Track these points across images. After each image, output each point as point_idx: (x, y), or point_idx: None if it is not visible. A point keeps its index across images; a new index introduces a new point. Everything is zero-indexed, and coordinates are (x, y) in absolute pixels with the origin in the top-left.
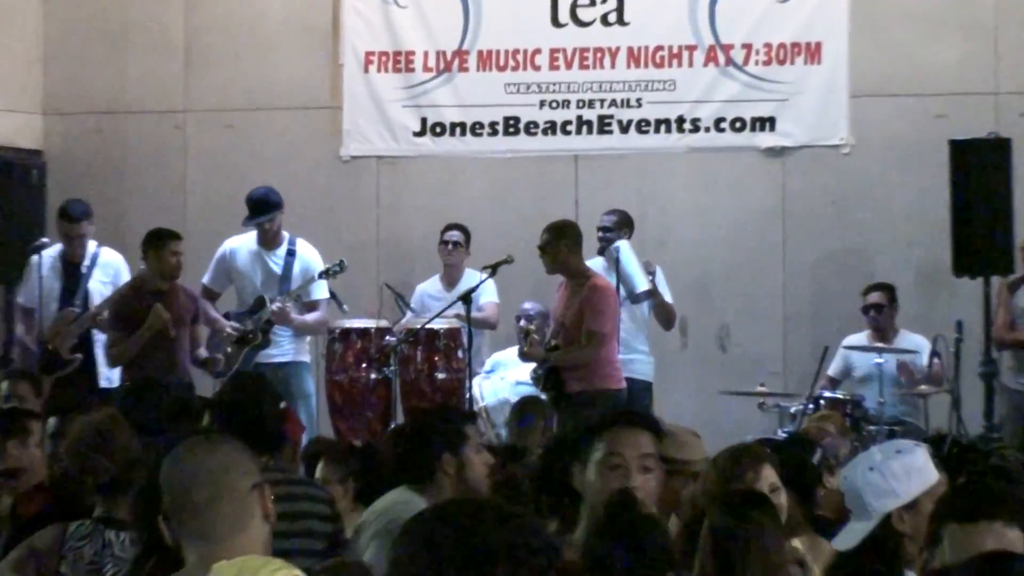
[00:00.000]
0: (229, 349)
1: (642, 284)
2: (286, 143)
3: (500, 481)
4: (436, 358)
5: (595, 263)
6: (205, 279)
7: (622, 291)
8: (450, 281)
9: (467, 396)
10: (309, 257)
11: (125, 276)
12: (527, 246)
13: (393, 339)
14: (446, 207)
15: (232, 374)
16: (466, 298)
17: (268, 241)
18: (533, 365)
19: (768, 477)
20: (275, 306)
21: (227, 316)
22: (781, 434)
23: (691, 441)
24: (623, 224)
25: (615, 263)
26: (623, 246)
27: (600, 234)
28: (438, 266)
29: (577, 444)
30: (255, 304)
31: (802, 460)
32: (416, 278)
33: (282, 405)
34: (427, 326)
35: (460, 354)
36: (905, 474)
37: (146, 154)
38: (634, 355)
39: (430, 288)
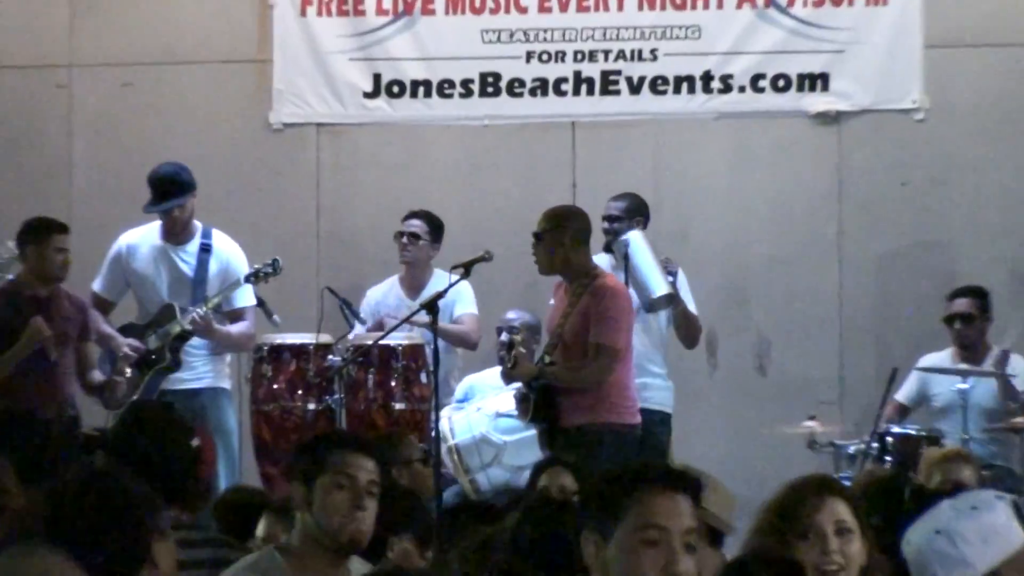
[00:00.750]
0: (128, 373)
1: (659, 288)
2: (200, 107)
3: (471, 548)
4: (393, 383)
5: (598, 262)
6: (96, 284)
7: (634, 298)
8: (412, 285)
9: (432, 432)
10: (229, 254)
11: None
12: (511, 240)
13: (337, 359)
14: (406, 189)
15: (131, 405)
16: (431, 306)
17: (176, 234)
18: (518, 388)
19: (837, 514)
20: (196, 313)
21: (124, 331)
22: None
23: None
24: (635, 211)
25: (624, 261)
26: (635, 239)
27: (605, 225)
28: (396, 266)
29: (591, 504)
30: (161, 315)
31: (896, 500)
32: (368, 281)
33: (195, 443)
34: (381, 342)
35: (424, 378)
36: (981, 538)
37: (19, 120)
38: (648, 379)
39: (386, 294)
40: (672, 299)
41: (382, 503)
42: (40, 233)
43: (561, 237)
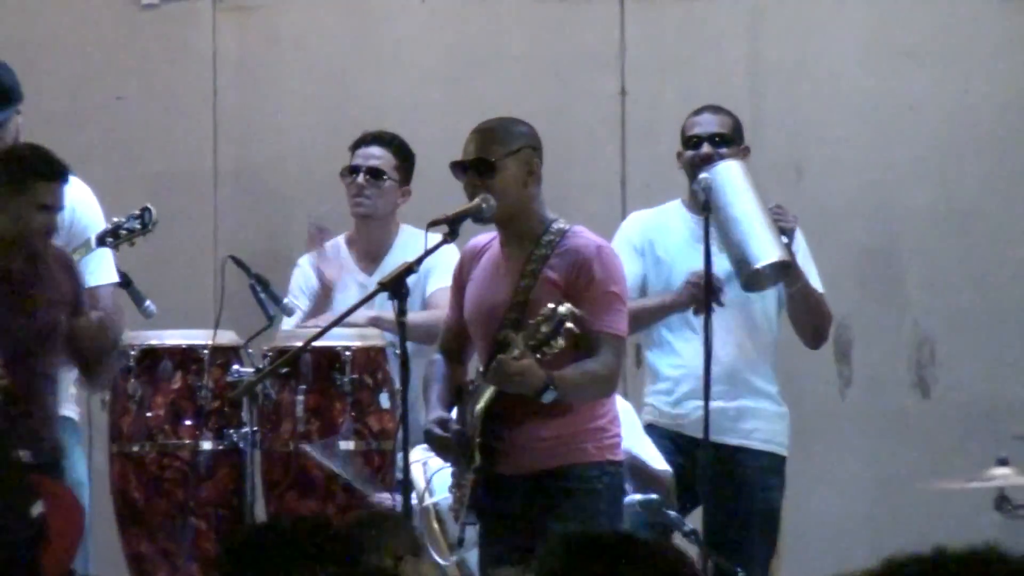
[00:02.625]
0: None
1: (767, 251)
2: None
3: None
4: (337, 407)
5: (669, 209)
6: None
7: (723, 264)
8: (368, 251)
9: (398, 484)
10: (75, 201)
11: None
12: None
13: (248, 370)
14: (355, 98)
15: None
16: (397, 286)
17: None
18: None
19: None
20: None
21: None
22: None
23: None
24: (735, 132)
25: (706, 209)
26: (729, 174)
27: (689, 152)
28: (342, 220)
29: None
30: None
31: None
32: (295, 245)
33: (36, 512)
34: (319, 343)
35: (385, 400)
36: None
37: None
38: (749, 401)
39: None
40: (787, 269)
41: None
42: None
43: (525, 166)
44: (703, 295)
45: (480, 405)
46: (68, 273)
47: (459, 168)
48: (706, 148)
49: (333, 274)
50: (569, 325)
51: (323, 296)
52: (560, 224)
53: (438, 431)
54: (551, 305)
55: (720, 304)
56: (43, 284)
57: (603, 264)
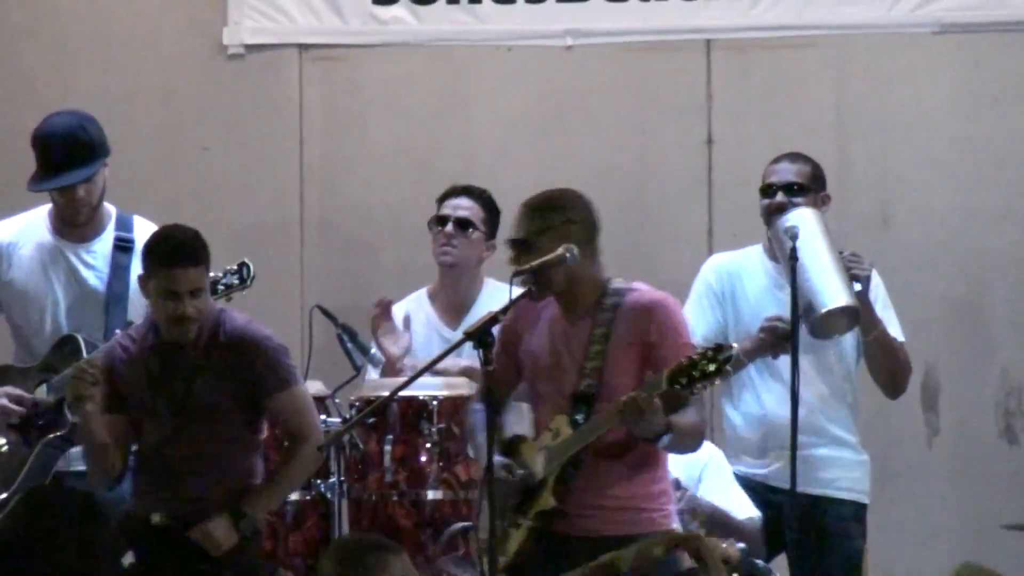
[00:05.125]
0: (3, 442)
1: (834, 296)
2: (117, 24)
3: None
4: (423, 459)
5: (750, 254)
6: None
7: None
8: (452, 302)
9: (484, 542)
10: None
11: None
12: (604, 226)
13: (335, 420)
14: (440, 145)
15: (13, 496)
16: (483, 336)
17: (78, 225)
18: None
19: None
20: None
21: None
22: None
23: None
24: (820, 180)
25: (789, 254)
26: (806, 220)
27: (766, 200)
28: (424, 272)
29: None
30: (57, 353)
31: None
32: (379, 295)
33: (127, 563)
34: (406, 393)
35: (472, 450)
36: None
37: None
38: (828, 450)
39: (413, 317)
40: (855, 316)
41: None
42: None
43: (567, 238)
44: (774, 341)
45: (564, 453)
46: (242, 358)
47: (509, 243)
48: (780, 197)
49: (394, 351)
50: (728, 369)
51: (389, 369)
52: (618, 284)
53: (503, 474)
54: (721, 344)
55: (784, 352)
56: (203, 366)
57: (673, 316)
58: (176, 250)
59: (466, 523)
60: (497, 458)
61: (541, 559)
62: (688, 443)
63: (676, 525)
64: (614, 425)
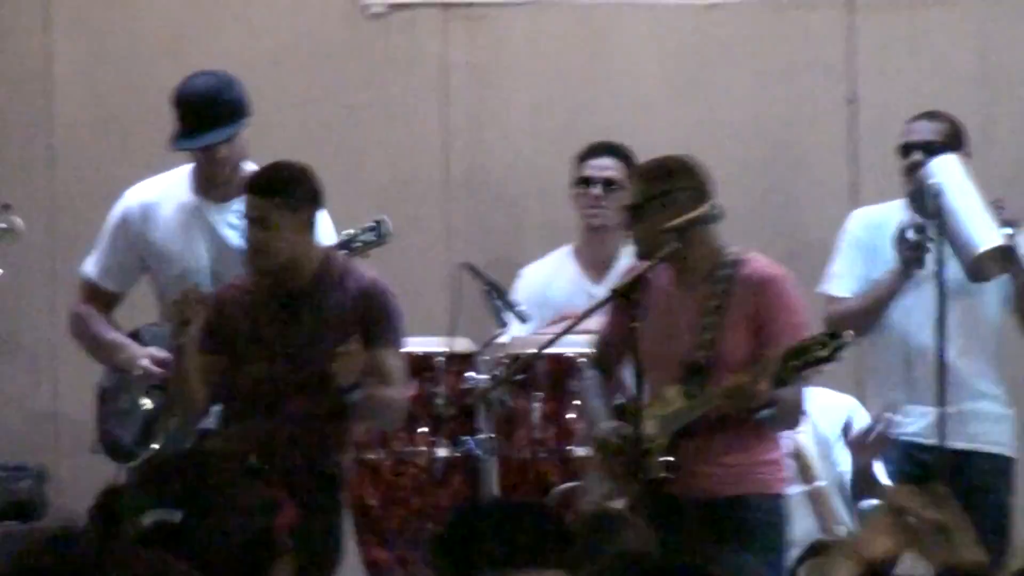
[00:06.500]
0: (148, 403)
1: (987, 236)
2: None
3: None
4: (571, 416)
5: (893, 208)
6: (89, 266)
7: (954, 264)
8: (595, 261)
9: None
10: None
11: None
12: (748, 186)
13: (484, 377)
14: (583, 103)
15: (155, 457)
16: (629, 293)
17: (219, 185)
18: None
19: None
20: None
21: (138, 337)
22: None
23: None
24: (957, 137)
25: (928, 201)
26: (948, 168)
27: (907, 157)
28: (567, 230)
29: None
30: None
31: None
32: (528, 254)
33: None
34: (553, 350)
35: (586, 415)
36: None
37: None
38: (974, 403)
39: (553, 275)
40: (1011, 256)
41: None
42: None
43: (679, 204)
44: (909, 252)
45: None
46: (368, 307)
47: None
48: (916, 156)
49: None
50: (841, 356)
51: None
52: (733, 253)
53: (616, 440)
54: (837, 330)
55: (919, 267)
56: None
57: (790, 293)
58: (255, 177)
59: (574, 482)
60: (608, 423)
61: (650, 523)
62: (788, 420)
63: (788, 490)
64: (721, 404)
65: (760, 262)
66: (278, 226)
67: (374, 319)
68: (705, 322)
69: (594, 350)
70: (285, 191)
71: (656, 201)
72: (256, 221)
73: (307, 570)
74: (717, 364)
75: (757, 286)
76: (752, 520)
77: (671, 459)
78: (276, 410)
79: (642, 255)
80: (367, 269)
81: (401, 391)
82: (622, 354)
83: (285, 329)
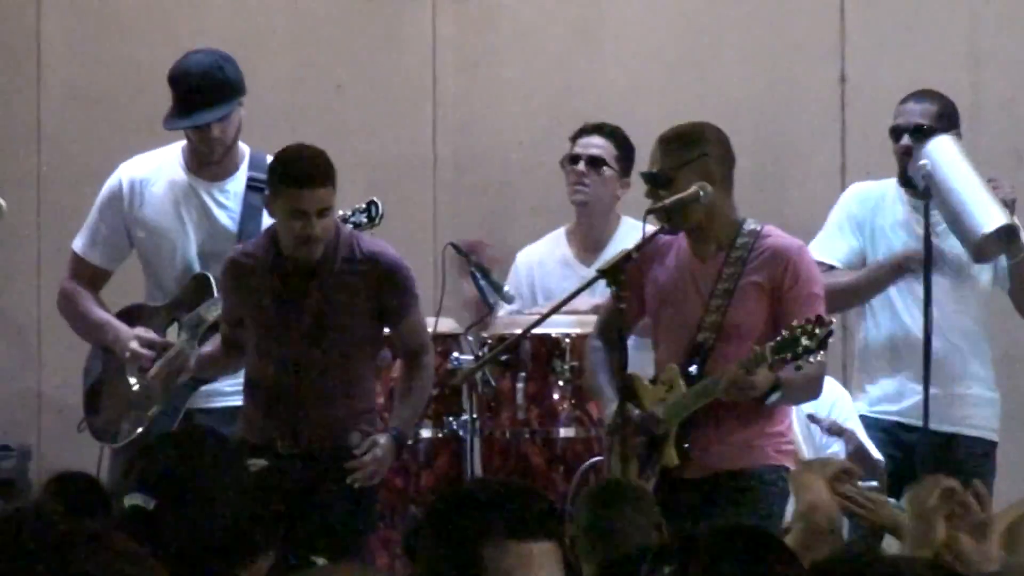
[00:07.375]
0: (134, 382)
1: (991, 216)
2: None
3: None
4: (557, 396)
5: (888, 187)
6: (79, 243)
7: (946, 245)
8: (587, 241)
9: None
10: None
11: None
12: (743, 165)
13: (468, 358)
14: (574, 83)
15: (145, 435)
16: (616, 273)
17: (212, 163)
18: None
19: None
20: None
21: (128, 316)
22: None
23: None
24: (949, 118)
25: (926, 183)
26: (941, 149)
27: (898, 141)
28: (560, 212)
29: None
30: (188, 292)
31: None
32: (518, 235)
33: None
34: (539, 331)
35: (587, 384)
36: None
37: None
38: (964, 388)
39: (546, 256)
40: (1014, 235)
41: None
42: None
43: (703, 175)
44: (913, 266)
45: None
46: (381, 276)
47: (645, 177)
48: (906, 140)
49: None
50: (831, 340)
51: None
52: (752, 225)
53: (629, 427)
54: (821, 316)
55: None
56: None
57: (807, 264)
58: (306, 169)
59: (597, 458)
60: (616, 403)
61: (664, 499)
62: (802, 396)
63: (790, 461)
64: (720, 395)
65: (780, 234)
66: (331, 212)
67: (395, 288)
68: (719, 288)
69: (602, 322)
70: (334, 176)
71: (684, 169)
72: (322, 213)
73: (343, 540)
74: (724, 332)
75: (777, 257)
76: (755, 490)
77: (685, 446)
78: (299, 386)
79: (674, 226)
80: (368, 237)
81: (432, 353)
82: (632, 322)
83: (304, 298)
